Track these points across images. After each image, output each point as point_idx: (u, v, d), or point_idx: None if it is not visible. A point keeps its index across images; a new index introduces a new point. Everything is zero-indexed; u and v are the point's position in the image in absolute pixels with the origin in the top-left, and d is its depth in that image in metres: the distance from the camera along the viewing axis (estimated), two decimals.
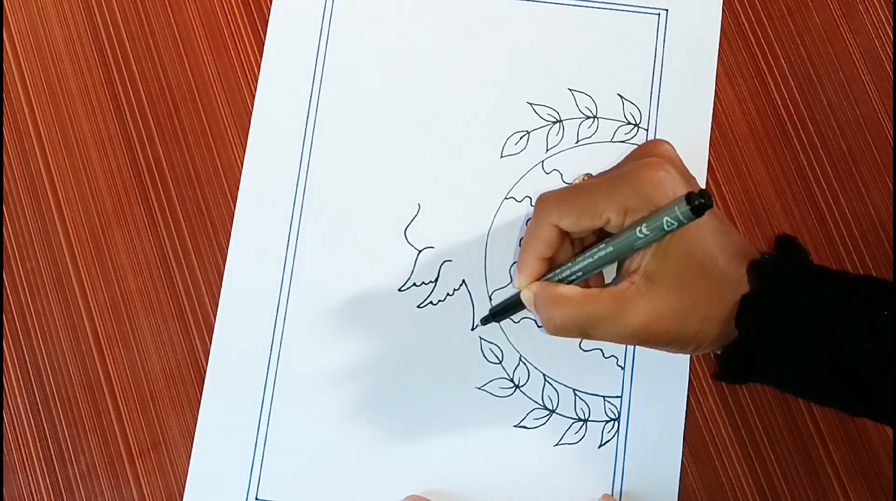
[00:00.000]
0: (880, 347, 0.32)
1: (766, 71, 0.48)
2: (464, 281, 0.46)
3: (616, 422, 0.45)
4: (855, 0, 0.48)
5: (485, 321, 0.45)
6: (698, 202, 0.33)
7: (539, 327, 0.45)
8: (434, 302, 0.46)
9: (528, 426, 0.45)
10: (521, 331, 0.45)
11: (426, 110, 0.48)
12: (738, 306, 0.35)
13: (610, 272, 0.43)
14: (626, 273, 0.37)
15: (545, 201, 0.39)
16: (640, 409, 0.45)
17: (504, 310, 0.43)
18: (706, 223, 0.36)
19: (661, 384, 0.45)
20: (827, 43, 0.48)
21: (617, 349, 0.45)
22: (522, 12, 0.48)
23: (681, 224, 0.34)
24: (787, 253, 0.37)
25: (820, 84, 0.47)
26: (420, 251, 0.46)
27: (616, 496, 0.44)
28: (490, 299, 0.46)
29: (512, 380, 0.45)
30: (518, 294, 0.41)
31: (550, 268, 0.40)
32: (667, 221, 0.34)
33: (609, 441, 0.44)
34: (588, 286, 0.39)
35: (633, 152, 0.39)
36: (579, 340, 0.45)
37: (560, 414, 0.45)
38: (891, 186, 0.46)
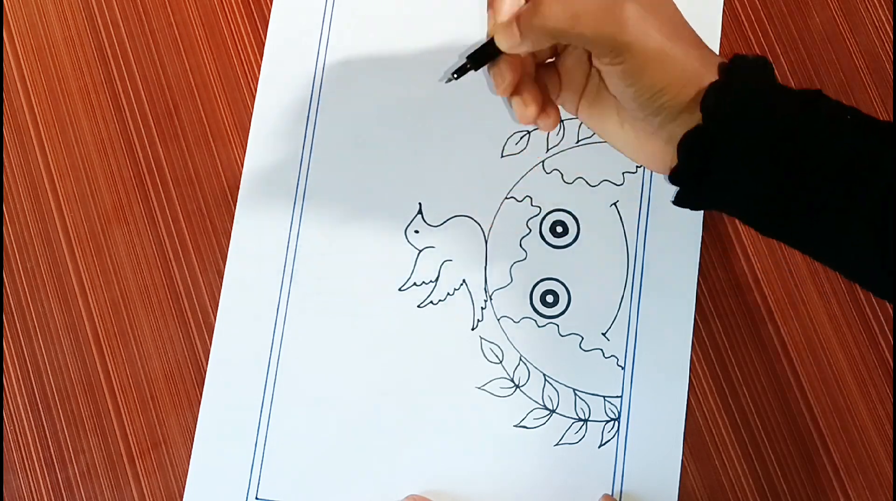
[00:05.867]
0: (840, 145, 0.32)
1: None
2: (464, 281, 0.46)
3: (616, 422, 0.45)
4: (855, 0, 0.48)
5: (460, 71, 0.37)
6: None
7: (540, 326, 0.45)
8: (434, 302, 0.46)
9: (528, 426, 0.45)
10: (521, 331, 0.45)
11: (426, 110, 0.48)
12: (706, 90, 0.34)
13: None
14: None
15: None
16: (640, 409, 0.45)
17: (481, 56, 0.37)
18: None
19: (661, 384, 0.45)
20: (827, 43, 0.48)
21: (617, 348, 0.45)
22: None
23: None
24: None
25: (820, 84, 0.47)
26: (420, 251, 0.46)
27: (616, 496, 0.44)
28: (490, 299, 0.46)
29: (512, 380, 0.45)
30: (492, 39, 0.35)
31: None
32: None
33: (609, 440, 0.44)
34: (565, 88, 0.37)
35: None
36: (580, 341, 0.45)
37: (560, 414, 0.45)
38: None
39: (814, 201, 0.33)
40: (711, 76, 0.34)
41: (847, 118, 0.33)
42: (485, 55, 0.37)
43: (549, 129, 0.39)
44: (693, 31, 0.36)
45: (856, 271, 0.34)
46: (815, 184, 0.32)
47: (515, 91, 0.37)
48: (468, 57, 0.37)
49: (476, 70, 0.37)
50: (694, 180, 0.35)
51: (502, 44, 0.35)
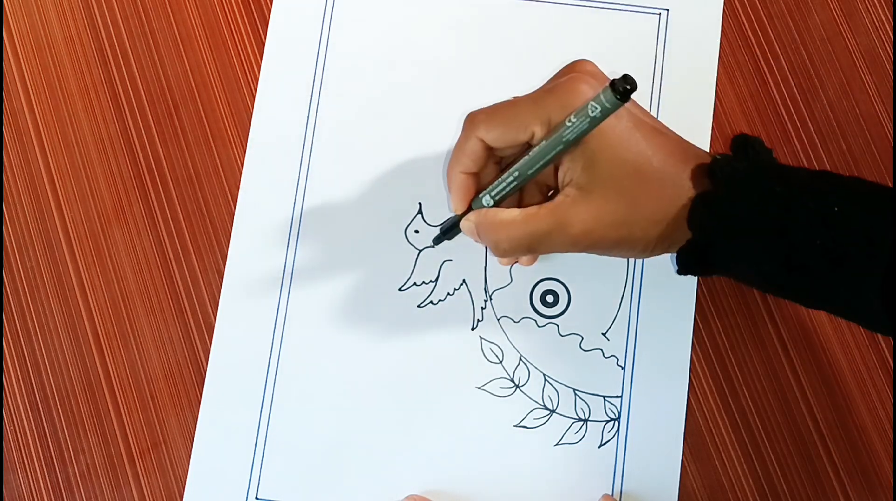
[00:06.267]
0: (831, 243, 0.33)
1: (766, 71, 0.48)
2: (464, 281, 0.46)
3: (616, 422, 0.45)
4: (855, 0, 0.48)
5: (436, 240, 0.44)
6: (623, 88, 0.32)
7: (540, 326, 0.45)
8: (434, 302, 0.46)
9: (528, 426, 0.45)
10: (521, 331, 0.45)
11: (426, 110, 0.48)
12: (689, 207, 0.35)
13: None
14: (560, 187, 0.37)
15: (472, 117, 0.38)
16: (640, 409, 0.45)
17: (449, 230, 0.43)
18: (637, 126, 0.36)
19: (661, 384, 0.45)
20: (827, 43, 0.48)
21: (617, 348, 0.45)
22: (522, 12, 0.48)
23: (605, 111, 0.33)
24: (745, 152, 0.37)
25: (820, 84, 0.47)
26: (420, 251, 0.46)
27: (616, 496, 0.44)
28: (490, 299, 0.46)
29: (512, 380, 0.45)
30: (458, 217, 0.40)
31: (478, 189, 0.40)
32: (591, 106, 0.33)
33: (609, 440, 0.44)
34: (526, 205, 0.39)
35: (557, 72, 0.39)
36: (580, 341, 0.45)
37: (560, 414, 0.45)
38: (891, 185, 0.46)
39: (811, 278, 0.34)
40: (689, 190, 0.35)
41: (834, 206, 0.33)
42: (455, 230, 0.42)
43: (527, 265, 0.43)
44: (666, 147, 0.36)
45: (864, 322, 0.37)
46: (812, 265, 0.34)
47: None
48: (441, 229, 0.43)
49: (451, 240, 0.43)
50: (699, 273, 0.39)
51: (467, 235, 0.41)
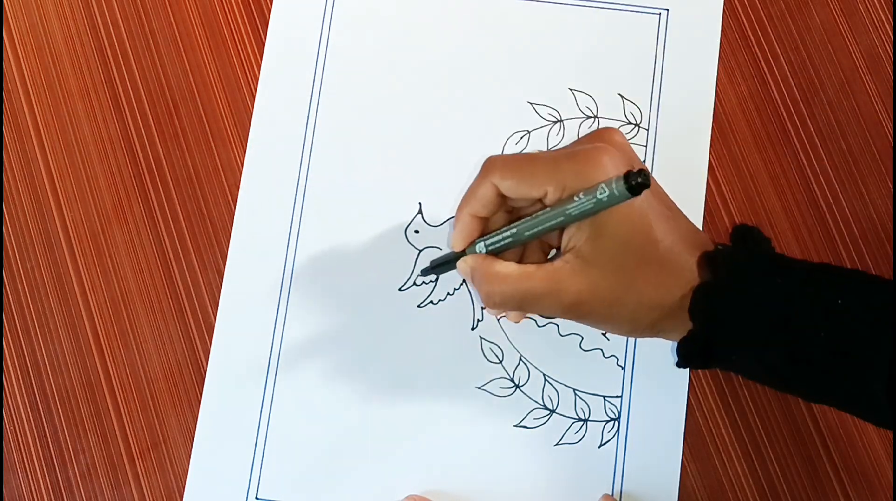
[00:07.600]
0: (834, 335, 0.33)
1: (766, 71, 0.48)
2: (464, 281, 0.46)
3: (616, 422, 0.45)
4: (855, 0, 0.48)
5: (425, 272, 0.43)
6: (635, 182, 0.32)
7: (540, 326, 0.45)
8: (434, 302, 0.46)
9: (528, 426, 0.45)
10: (521, 331, 0.45)
11: (426, 110, 0.48)
12: (691, 297, 0.35)
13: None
14: (562, 250, 0.37)
15: (491, 162, 0.38)
16: (640, 409, 0.45)
17: (441, 265, 0.42)
18: (649, 208, 0.36)
19: (661, 384, 0.45)
20: (827, 43, 0.48)
21: (617, 348, 0.45)
22: (522, 12, 0.48)
23: (613, 199, 0.33)
24: (745, 243, 0.36)
25: (820, 84, 0.47)
26: (420, 251, 0.46)
27: (616, 496, 0.44)
28: None
29: (512, 380, 0.45)
30: (455, 254, 0.40)
31: (483, 232, 0.39)
32: (601, 188, 0.33)
33: (609, 440, 0.44)
34: (525, 262, 0.39)
35: (584, 136, 0.39)
36: (580, 341, 0.45)
37: (560, 414, 0.45)
38: (891, 185, 0.46)
39: (815, 371, 0.34)
40: (691, 280, 0.35)
41: (837, 298, 0.33)
42: (448, 266, 0.41)
43: (515, 321, 0.44)
44: (673, 234, 0.36)
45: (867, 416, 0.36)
46: (816, 358, 0.33)
47: None
48: (433, 264, 0.42)
49: (438, 275, 0.45)
50: (699, 366, 0.38)
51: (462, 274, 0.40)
